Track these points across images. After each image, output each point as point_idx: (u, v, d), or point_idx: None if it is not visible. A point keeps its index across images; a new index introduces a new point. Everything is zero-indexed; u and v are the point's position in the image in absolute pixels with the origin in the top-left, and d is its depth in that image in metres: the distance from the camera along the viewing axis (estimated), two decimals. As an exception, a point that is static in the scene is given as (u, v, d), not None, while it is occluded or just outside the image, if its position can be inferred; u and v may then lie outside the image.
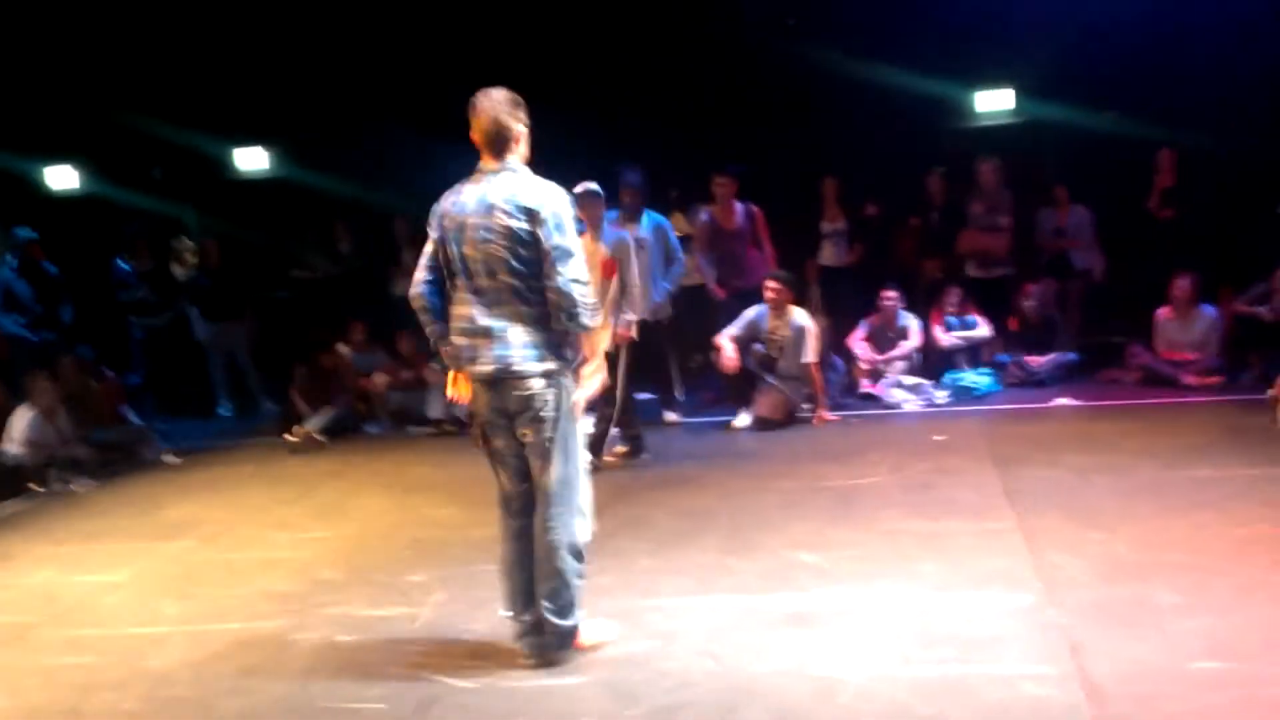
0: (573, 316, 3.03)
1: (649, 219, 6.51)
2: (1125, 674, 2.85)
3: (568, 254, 3.02)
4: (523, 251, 3.02)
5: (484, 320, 3.07)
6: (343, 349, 7.78)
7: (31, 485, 6.22)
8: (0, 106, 8.71)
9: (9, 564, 4.85)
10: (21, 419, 6.37)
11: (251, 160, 9.80)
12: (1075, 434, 5.68)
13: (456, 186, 3.17)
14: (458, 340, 3.16)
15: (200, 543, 4.90)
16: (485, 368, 3.09)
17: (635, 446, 5.76)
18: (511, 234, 3.01)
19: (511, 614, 3.26)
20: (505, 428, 3.15)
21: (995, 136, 8.54)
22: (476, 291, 3.09)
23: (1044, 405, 6.48)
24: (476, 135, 3.11)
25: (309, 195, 9.34)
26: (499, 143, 3.09)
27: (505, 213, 3.02)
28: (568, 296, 3.01)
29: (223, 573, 4.41)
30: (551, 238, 3.00)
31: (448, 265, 3.15)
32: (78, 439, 6.63)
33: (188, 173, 9.80)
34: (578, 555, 3.17)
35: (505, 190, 3.05)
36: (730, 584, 3.78)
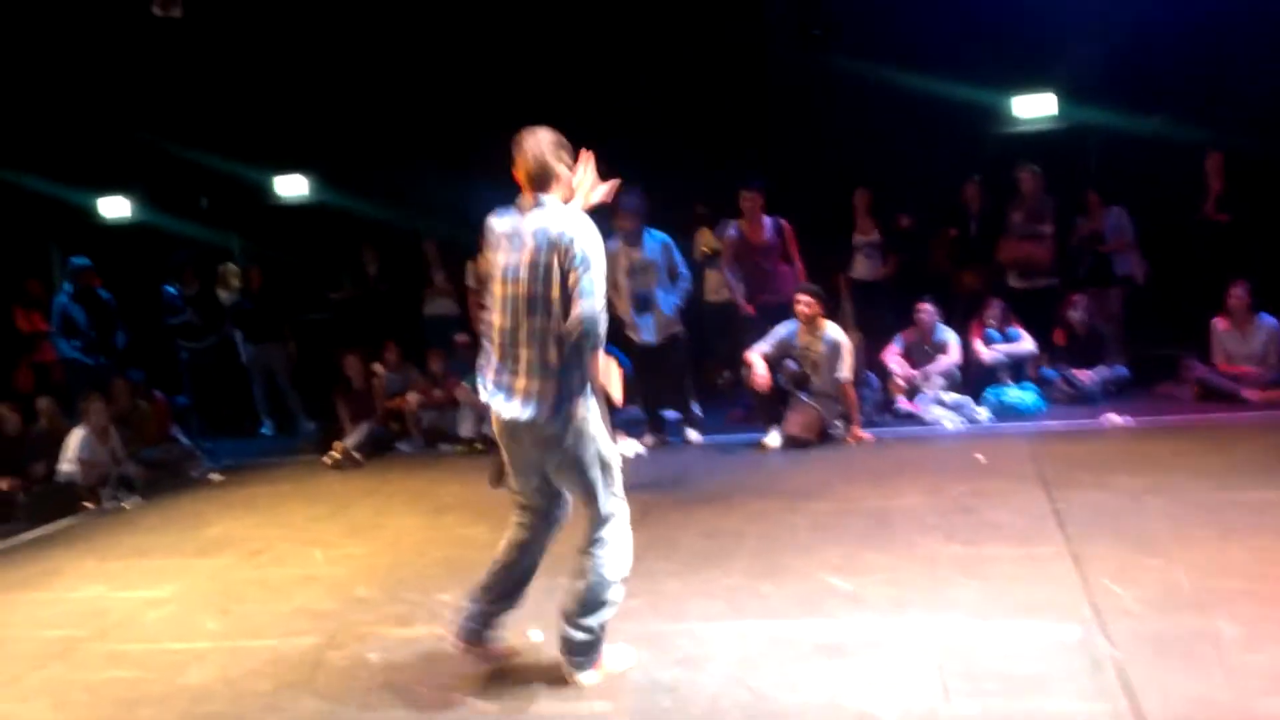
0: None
1: (652, 239, 6.49)
2: (1184, 714, 2.70)
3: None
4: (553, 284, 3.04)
5: None
6: (377, 368, 7.88)
7: (85, 503, 6.40)
8: (55, 140, 9.04)
9: (58, 579, 4.97)
10: (76, 439, 6.59)
11: (292, 187, 10.04)
12: (1126, 454, 5.49)
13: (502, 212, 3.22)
14: None
15: (240, 559, 4.98)
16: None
17: None
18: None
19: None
20: None
21: (1036, 142, 8.39)
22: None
23: (1093, 423, 6.29)
24: (520, 173, 3.16)
25: (345, 219, 9.55)
26: (541, 181, 3.14)
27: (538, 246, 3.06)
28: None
29: (260, 589, 4.48)
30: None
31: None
32: (129, 458, 6.83)
33: (232, 200, 10.10)
34: None
35: (539, 223, 3.09)
36: (760, 609, 3.71)
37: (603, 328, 3.03)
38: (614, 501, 3.20)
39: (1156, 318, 7.65)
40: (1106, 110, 8.00)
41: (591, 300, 2.99)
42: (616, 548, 3.18)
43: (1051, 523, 4.35)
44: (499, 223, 3.19)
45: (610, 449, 3.22)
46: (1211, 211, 7.33)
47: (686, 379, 6.80)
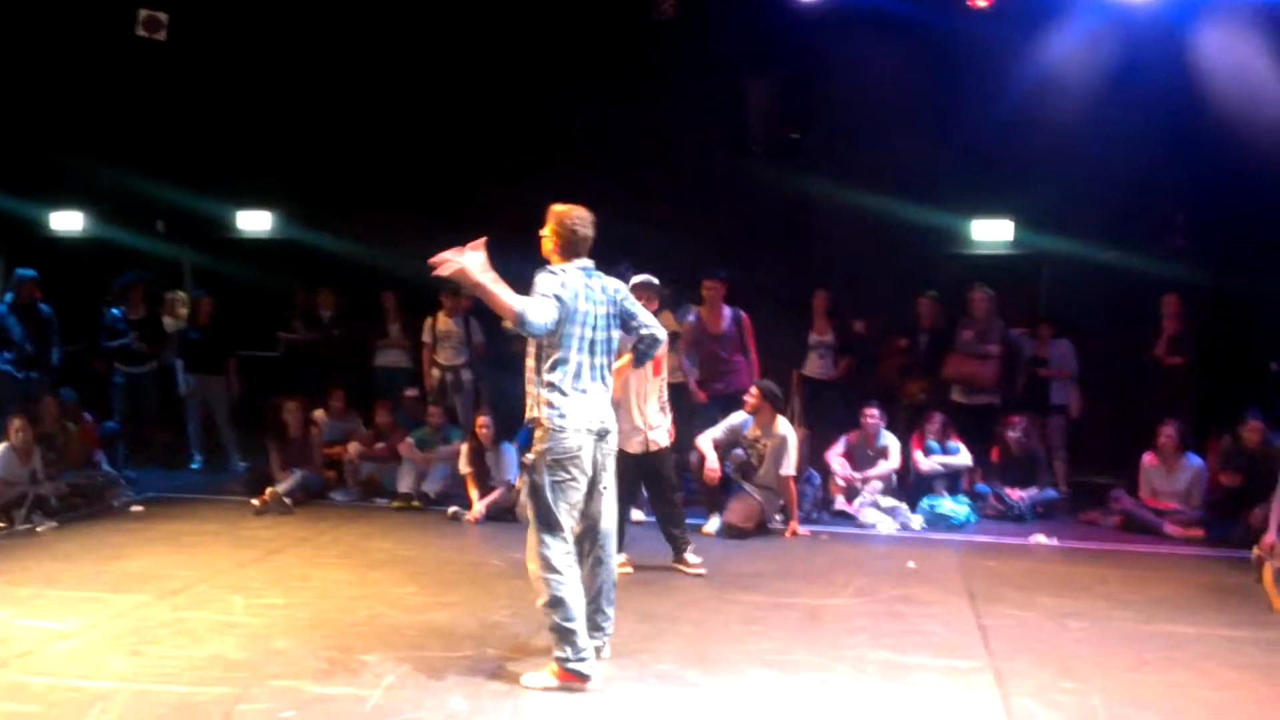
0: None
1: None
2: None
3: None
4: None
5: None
6: (318, 415, 7.75)
7: (-3, 522, 6.11)
8: (11, 152, 8.90)
9: (-39, 601, 4.73)
10: (-5, 455, 6.31)
11: (254, 221, 9.97)
12: (1052, 574, 5.62)
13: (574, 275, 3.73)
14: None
15: (156, 598, 4.80)
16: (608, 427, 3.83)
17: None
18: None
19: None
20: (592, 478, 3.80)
21: (991, 265, 8.73)
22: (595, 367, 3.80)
23: (1021, 541, 6.43)
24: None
25: (306, 259, 9.48)
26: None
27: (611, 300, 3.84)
28: None
29: (175, 632, 4.32)
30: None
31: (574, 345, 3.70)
32: (49, 479, 6.57)
33: (190, 227, 9.97)
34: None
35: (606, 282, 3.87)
36: (686, 697, 3.69)
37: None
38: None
39: (1094, 448, 7.88)
40: (1062, 239, 8.37)
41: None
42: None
43: (976, 637, 4.42)
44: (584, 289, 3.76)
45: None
46: (1164, 355, 7.58)
47: None
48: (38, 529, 6.14)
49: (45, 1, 8.22)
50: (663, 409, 5.38)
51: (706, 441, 6.42)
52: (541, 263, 3.81)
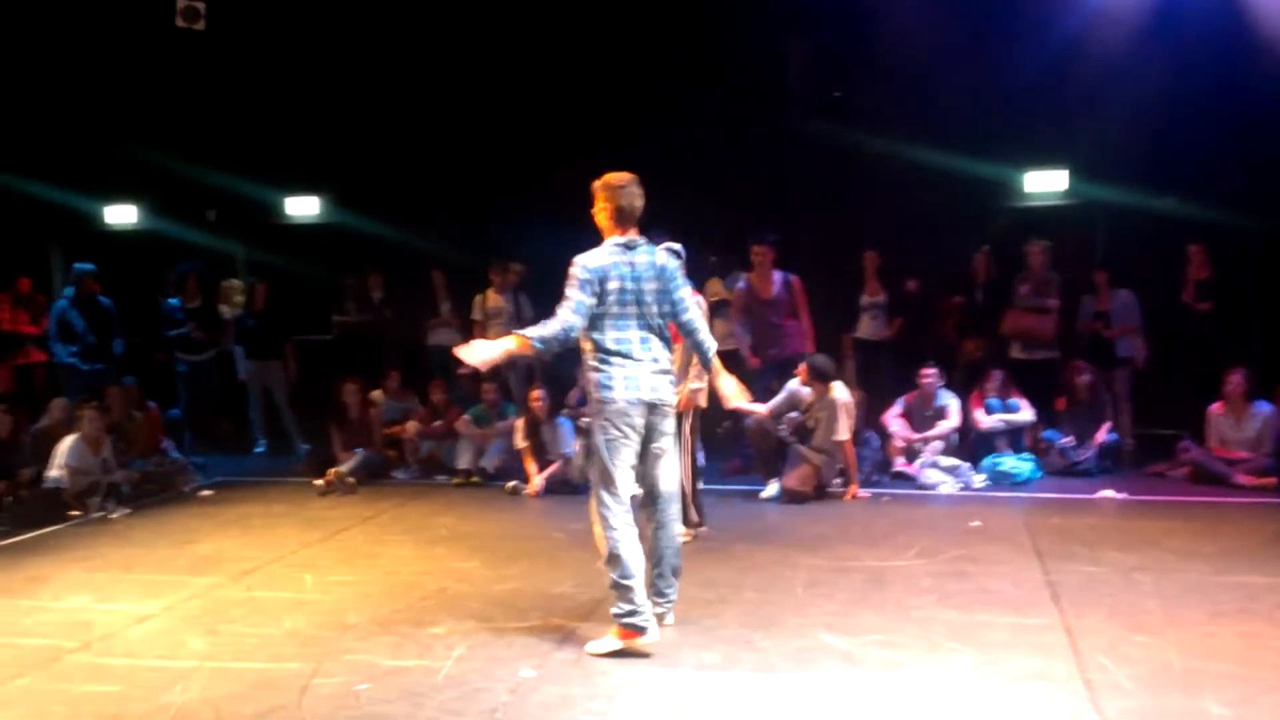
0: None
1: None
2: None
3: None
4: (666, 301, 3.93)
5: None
6: (376, 395, 7.87)
7: (72, 511, 6.32)
8: (65, 145, 9.11)
9: (44, 587, 4.90)
10: (66, 445, 6.52)
11: (302, 207, 10.08)
12: (1120, 529, 5.51)
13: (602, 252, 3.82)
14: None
15: (229, 579, 4.93)
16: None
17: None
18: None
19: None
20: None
21: (1046, 217, 8.51)
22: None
23: (1088, 496, 6.31)
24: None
25: (355, 242, 9.57)
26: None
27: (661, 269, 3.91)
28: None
29: (249, 611, 4.43)
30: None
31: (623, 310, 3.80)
32: (120, 468, 6.76)
33: (240, 215, 10.12)
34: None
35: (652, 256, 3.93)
36: (753, 662, 3.69)
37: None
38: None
39: (1159, 399, 7.69)
40: (1117, 189, 8.12)
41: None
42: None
43: (1045, 594, 4.36)
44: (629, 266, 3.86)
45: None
46: (1193, 300, 7.44)
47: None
48: (111, 516, 6.32)
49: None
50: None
51: (762, 408, 6.38)
52: (588, 236, 3.88)
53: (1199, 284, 7.47)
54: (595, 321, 3.78)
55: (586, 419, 3.88)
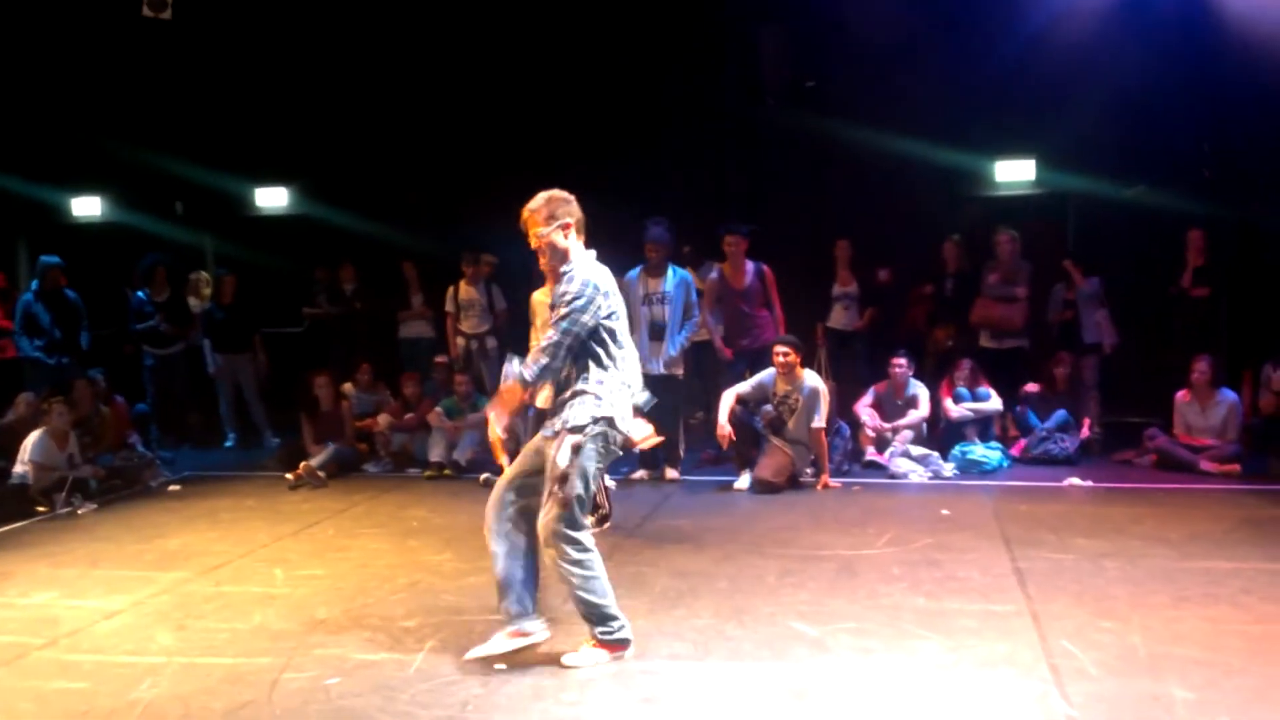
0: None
1: (674, 274, 6.63)
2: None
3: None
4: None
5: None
6: (347, 388, 7.82)
7: (38, 507, 6.24)
8: (29, 137, 8.94)
9: (9, 583, 4.84)
10: (32, 440, 6.43)
11: (272, 198, 9.97)
12: (1087, 516, 5.59)
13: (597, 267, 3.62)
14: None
15: (198, 574, 4.88)
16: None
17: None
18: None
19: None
20: None
21: (1015, 206, 8.58)
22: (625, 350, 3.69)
23: (1055, 484, 6.39)
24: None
25: (325, 234, 9.49)
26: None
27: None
28: None
29: (218, 606, 4.39)
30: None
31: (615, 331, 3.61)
32: (86, 463, 6.67)
33: (209, 207, 9.99)
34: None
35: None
36: (726, 651, 3.71)
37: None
38: None
39: (1127, 387, 7.78)
40: (1086, 178, 8.20)
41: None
42: None
43: (1013, 580, 4.41)
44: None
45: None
46: (1189, 284, 7.48)
47: (679, 419, 6.84)
48: (78, 511, 6.25)
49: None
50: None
51: (730, 396, 6.41)
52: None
53: (1197, 270, 7.48)
54: (597, 336, 3.57)
55: (576, 438, 3.53)
